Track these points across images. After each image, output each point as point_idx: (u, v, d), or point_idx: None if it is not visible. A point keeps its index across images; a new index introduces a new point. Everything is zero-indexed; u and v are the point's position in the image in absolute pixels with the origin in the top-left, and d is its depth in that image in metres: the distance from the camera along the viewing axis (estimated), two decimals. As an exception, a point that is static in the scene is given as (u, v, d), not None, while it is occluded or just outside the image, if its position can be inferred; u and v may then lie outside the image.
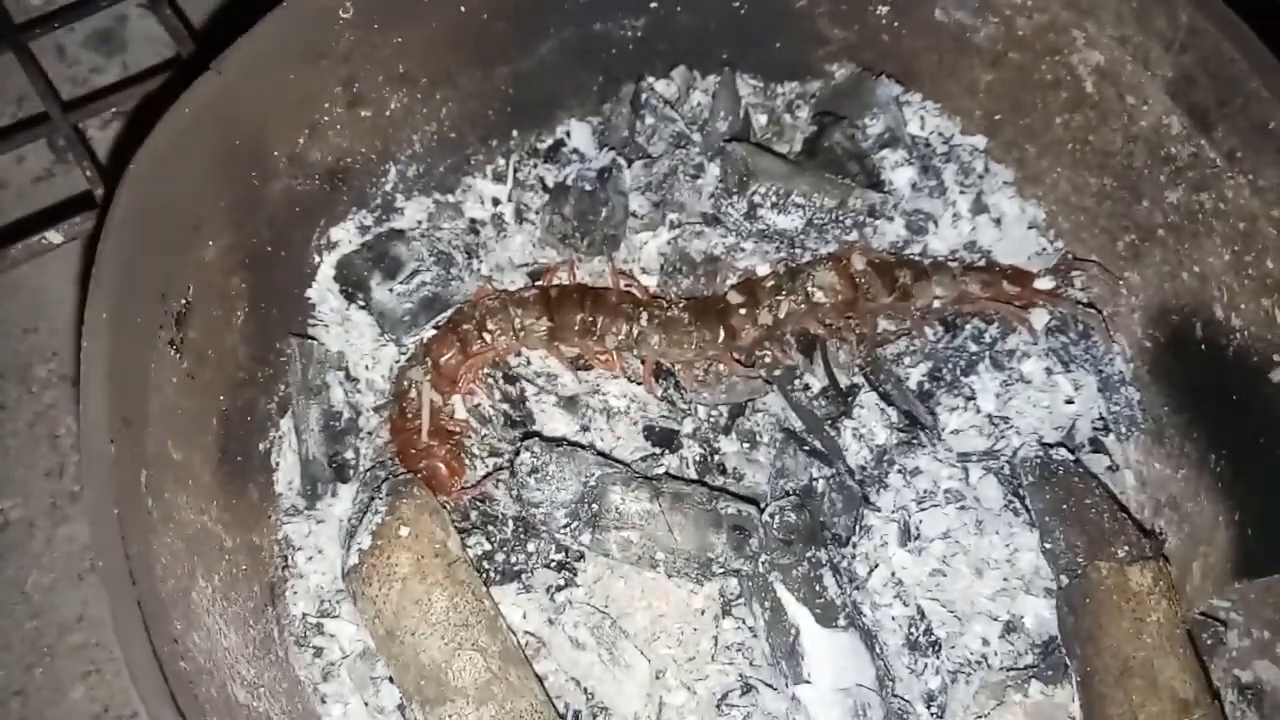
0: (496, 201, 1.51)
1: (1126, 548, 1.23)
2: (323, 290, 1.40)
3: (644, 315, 1.34)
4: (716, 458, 1.36)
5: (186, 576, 1.05)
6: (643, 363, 1.37)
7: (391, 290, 1.37)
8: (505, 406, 1.39)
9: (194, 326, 1.15)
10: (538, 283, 1.43)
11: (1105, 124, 1.30)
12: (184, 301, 1.13)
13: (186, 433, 1.14)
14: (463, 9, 1.31)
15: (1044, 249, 1.46)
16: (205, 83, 1.08)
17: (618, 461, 1.32)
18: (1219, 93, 1.11)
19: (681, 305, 1.37)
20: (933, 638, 1.26)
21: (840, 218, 1.40)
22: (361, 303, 1.39)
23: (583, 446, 1.33)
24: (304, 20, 1.16)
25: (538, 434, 1.35)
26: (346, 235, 1.42)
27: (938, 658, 1.25)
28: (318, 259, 1.39)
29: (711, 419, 1.39)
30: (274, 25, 1.12)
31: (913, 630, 1.26)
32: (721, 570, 1.25)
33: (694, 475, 1.34)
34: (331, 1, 1.19)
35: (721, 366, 1.39)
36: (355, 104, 1.29)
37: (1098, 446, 1.39)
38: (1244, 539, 1.19)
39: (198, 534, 1.11)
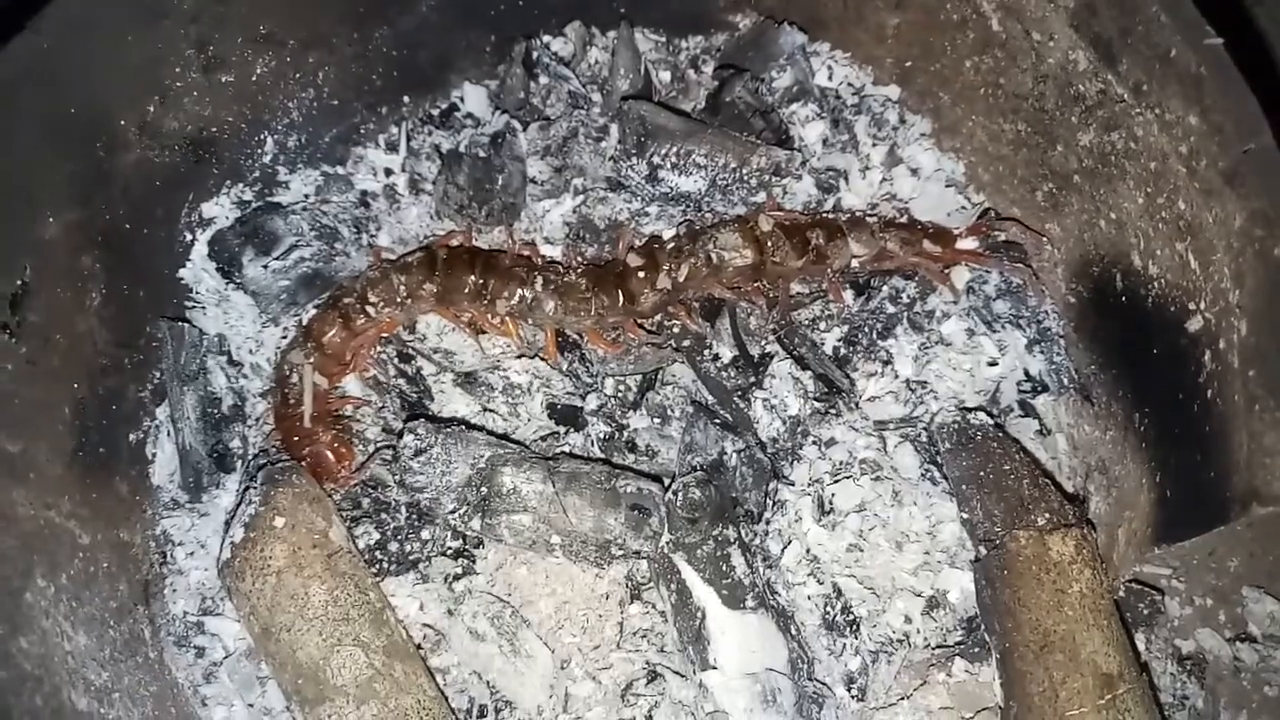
0: (389, 172, 1.43)
1: (1047, 515, 1.16)
2: (198, 270, 1.31)
3: (539, 280, 1.26)
4: (626, 434, 1.28)
5: (19, 576, 0.98)
6: (544, 331, 1.30)
7: (266, 267, 1.29)
8: (401, 383, 1.31)
9: (34, 309, 1.07)
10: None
11: (1014, 64, 1.22)
12: (20, 283, 1.04)
13: (27, 423, 1.06)
14: (323, -38, 1.23)
15: (964, 204, 1.39)
16: (22, 44, 0.99)
17: (514, 442, 1.25)
18: (1120, 21, 1.04)
19: (579, 270, 1.29)
20: (851, 616, 1.19)
21: (744, 177, 1.32)
22: (237, 281, 1.31)
23: (476, 428, 1.26)
24: (135, -24, 1.07)
25: (426, 415, 1.27)
26: (222, 211, 1.33)
27: (857, 637, 1.19)
28: (190, 236, 1.31)
29: (619, 394, 1.31)
30: (98, -19, 1.03)
31: (829, 609, 1.20)
32: (621, 552, 1.18)
33: (599, 454, 1.27)
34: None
35: (630, 335, 1.31)
36: (213, 69, 1.21)
37: (1027, 410, 1.32)
38: (1164, 501, 1.12)
39: (39, 530, 1.04)
